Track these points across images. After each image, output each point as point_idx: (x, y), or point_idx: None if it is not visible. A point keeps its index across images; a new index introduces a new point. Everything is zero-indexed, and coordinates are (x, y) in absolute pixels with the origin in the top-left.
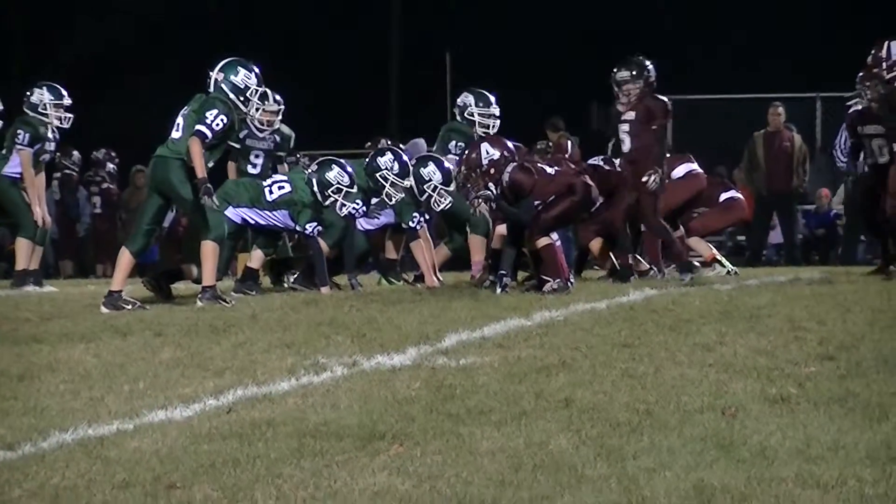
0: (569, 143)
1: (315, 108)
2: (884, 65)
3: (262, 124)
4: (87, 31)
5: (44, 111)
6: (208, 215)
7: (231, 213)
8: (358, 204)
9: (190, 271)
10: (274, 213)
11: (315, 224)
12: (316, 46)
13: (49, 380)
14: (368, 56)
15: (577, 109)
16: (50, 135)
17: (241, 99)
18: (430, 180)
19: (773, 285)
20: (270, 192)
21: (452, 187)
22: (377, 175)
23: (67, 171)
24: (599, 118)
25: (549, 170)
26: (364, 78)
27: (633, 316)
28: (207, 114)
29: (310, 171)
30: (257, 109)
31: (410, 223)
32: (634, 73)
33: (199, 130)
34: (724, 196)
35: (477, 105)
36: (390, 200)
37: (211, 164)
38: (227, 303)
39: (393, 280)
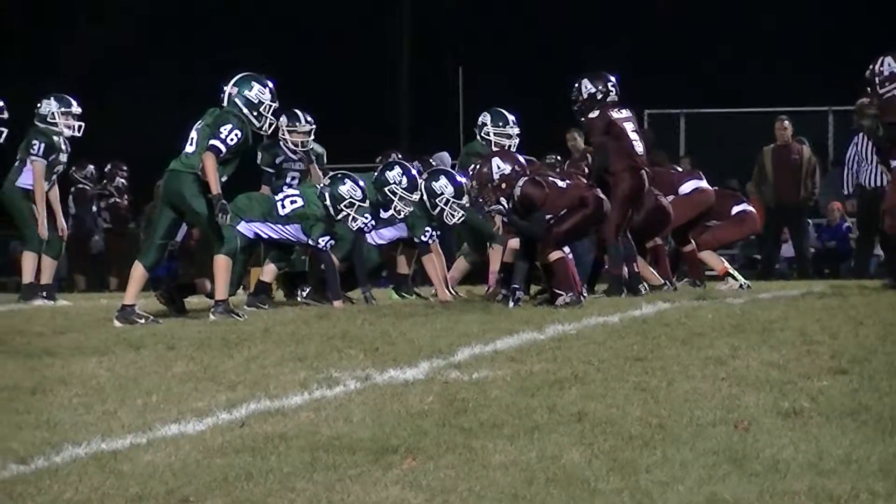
0: None
1: (325, 121)
2: (877, 79)
3: (297, 146)
4: (91, 38)
5: (53, 121)
6: (221, 229)
7: (243, 227)
8: (367, 218)
9: (203, 285)
10: (286, 226)
11: (328, 238)
12: (325, 59)
13: (62, 393)
14: (379, 70)
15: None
16: (63, 146)
17: (255, 114)
18: (443, 194)
19: (785, 299)
20: (283, 207)
21: (465, 201)
22: (386, 189)
23: (81, 186)
24: None
25: (561, 183)
26: (375, 92)
27: (646, 329)
28: (221, 128)
29: (322, 185)
30: (271, 125)
31: (423, 237)
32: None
33: (213, 145)
34: (735, 209)
35: (493, 124)
36: (400, 215)
37: (224, 179)
38: (240, 317)
39: (405, 294)
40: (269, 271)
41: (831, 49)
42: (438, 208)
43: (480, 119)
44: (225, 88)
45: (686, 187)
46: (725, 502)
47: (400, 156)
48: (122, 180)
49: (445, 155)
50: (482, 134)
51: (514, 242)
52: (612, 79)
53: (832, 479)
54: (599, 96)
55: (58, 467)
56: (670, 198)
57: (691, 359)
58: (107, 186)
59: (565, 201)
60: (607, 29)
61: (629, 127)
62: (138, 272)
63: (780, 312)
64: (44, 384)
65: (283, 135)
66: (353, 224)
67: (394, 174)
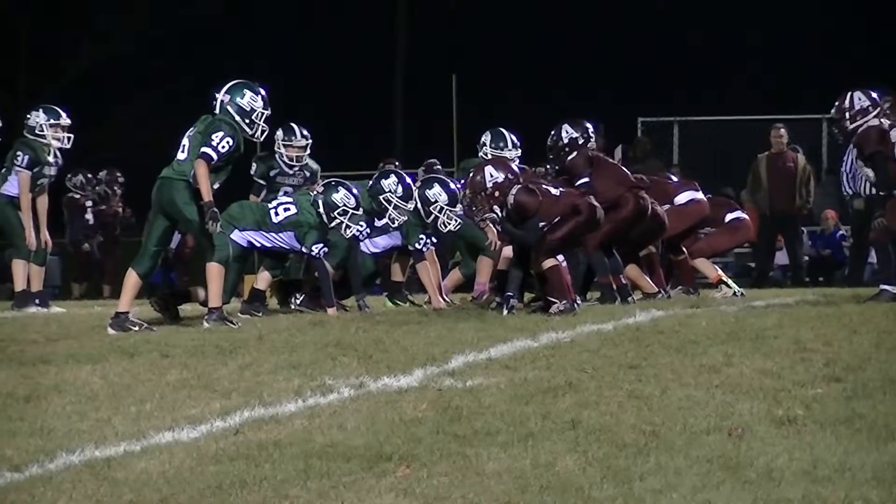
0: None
1: (320, 129)
2: (847, 115)
3: (292, 160)
4: (92, 50)
5: (41, 133)
6: (214, 237)
7: (237, 236)
8: (362, 226)
9: (197, 293)
10: (279, 234)
11: (321, 245)
12: (321, 66)
13: (56, 401)
14: (374, 77)
15: None
16: (51, 158)
17: (247, 121)
18: (436, 202)
19: (779, 307)
20: (276, 214)
21: (459, 209)
22: (381, 197)
23: (70, 194)
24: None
25: (554, 191)
26: (369, 99)
27: (640, 337)
28: (213, 136)
29: (315, 192)
30: (263, 132)
31: (417, 245)
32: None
33: (204, 153)
34: (729, 216)
35: (493, 144)
36: (394, 223)
37: (216, 186)
38: (234, 324)
39: (399, 302)
40: (263, 279)
41: (826, 57)
42: (432, 216)
43: (483, 138)
44: (217, 95)
45: (681, 198)
46: None
47: (397, 164)
48: (116, 187)
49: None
50: (481, 153)
51: (508, 250)
52: (590, 126)
53: (826, 486)
54: (581, 141)
55: (52, 475)
56: (665, 207)
57: (685, 366)
58: (94, 190)
59: (559, 209)
60: (603, 35)
61: (610, 159)
62: (132, 280)
63: (775, 320)
64: (38, 391)
65: (279, 148)
66: (347, 232)
67: (388, 182)
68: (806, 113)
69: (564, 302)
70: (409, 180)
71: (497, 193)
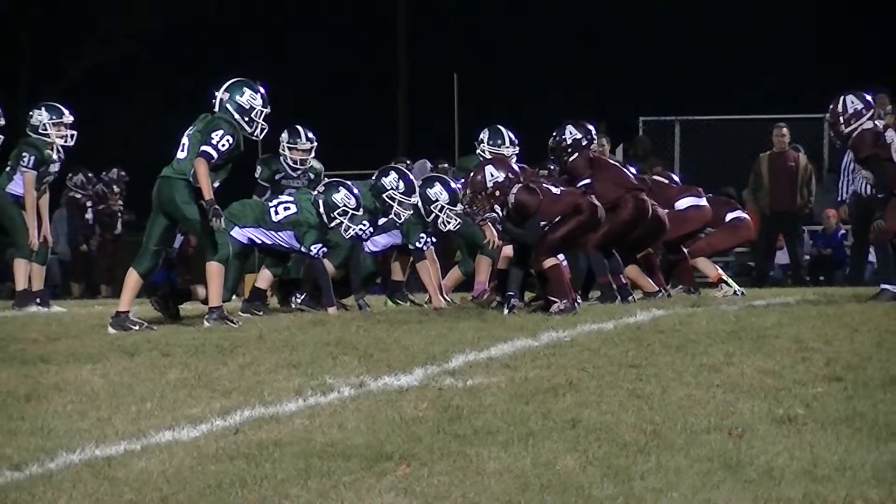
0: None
1: (321, 128)
2: (841, 118)
3: (296, 163)
4: (93, 49)
5: (44, 132)
6: (214, 235)
7: (237, 233)
8: (365, 226)
9: (197, 292)
10: (279, 233)
11: (320, 245)
12: (322, 66)
13: (56, 400)
14: (376, 77)
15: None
16: (55, 156)
17: (246, 119)
18: (437, 200)
19: (780, 306)
20: (276, 213)
21: (459, 208)
22: (384, 195)
23: (72, 193)
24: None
25: (555, 190)
26: (371, 98)
27: (640, 336)
28: (213, 134)
29: (316, 192)
30: (263, 130)
31: (417, 244)
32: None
33: (204, 151)
34: (730, 216)
35: (490, 142)
36: (399, 220)
37: (216, 185)
38: (234, 323)
39: (399, 301)
40: (264, 277)
41: (826, 56)
42: (433, 215)
43: (481, 135)
44: (216, 94)
45: (682, 203)
46: None
47: (409, 163)
48: (116, 186)
49: (426, 162)
50: (479, 151)
51: (508, 249)
52: (592, 128)
53: (826, 486)
54: (584, 142)
55: (52, 474)
56: (665, 211)
57: (686, 366)
58: (93, 189)
59: (560, 208)
60: (604, 36)
61: (611, 159)
62: (132, 279)
63: (775, 319)
64: (38, 391)
65: (283, 151)
66: (347, 232)
67: (390, 179)
68: (807, 112)
69: (565, 301)
70: (410, 176)
71: (498, 193)
